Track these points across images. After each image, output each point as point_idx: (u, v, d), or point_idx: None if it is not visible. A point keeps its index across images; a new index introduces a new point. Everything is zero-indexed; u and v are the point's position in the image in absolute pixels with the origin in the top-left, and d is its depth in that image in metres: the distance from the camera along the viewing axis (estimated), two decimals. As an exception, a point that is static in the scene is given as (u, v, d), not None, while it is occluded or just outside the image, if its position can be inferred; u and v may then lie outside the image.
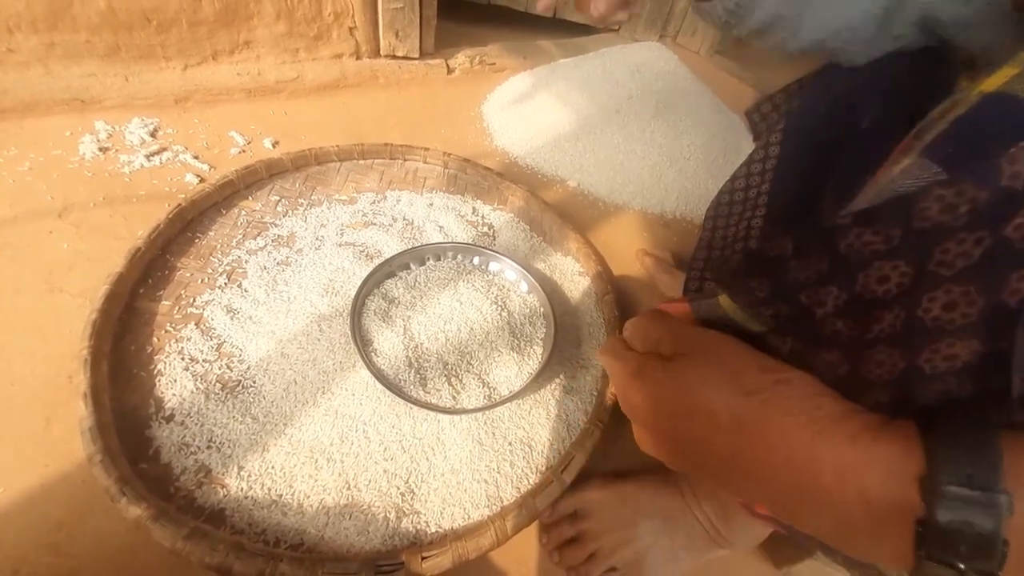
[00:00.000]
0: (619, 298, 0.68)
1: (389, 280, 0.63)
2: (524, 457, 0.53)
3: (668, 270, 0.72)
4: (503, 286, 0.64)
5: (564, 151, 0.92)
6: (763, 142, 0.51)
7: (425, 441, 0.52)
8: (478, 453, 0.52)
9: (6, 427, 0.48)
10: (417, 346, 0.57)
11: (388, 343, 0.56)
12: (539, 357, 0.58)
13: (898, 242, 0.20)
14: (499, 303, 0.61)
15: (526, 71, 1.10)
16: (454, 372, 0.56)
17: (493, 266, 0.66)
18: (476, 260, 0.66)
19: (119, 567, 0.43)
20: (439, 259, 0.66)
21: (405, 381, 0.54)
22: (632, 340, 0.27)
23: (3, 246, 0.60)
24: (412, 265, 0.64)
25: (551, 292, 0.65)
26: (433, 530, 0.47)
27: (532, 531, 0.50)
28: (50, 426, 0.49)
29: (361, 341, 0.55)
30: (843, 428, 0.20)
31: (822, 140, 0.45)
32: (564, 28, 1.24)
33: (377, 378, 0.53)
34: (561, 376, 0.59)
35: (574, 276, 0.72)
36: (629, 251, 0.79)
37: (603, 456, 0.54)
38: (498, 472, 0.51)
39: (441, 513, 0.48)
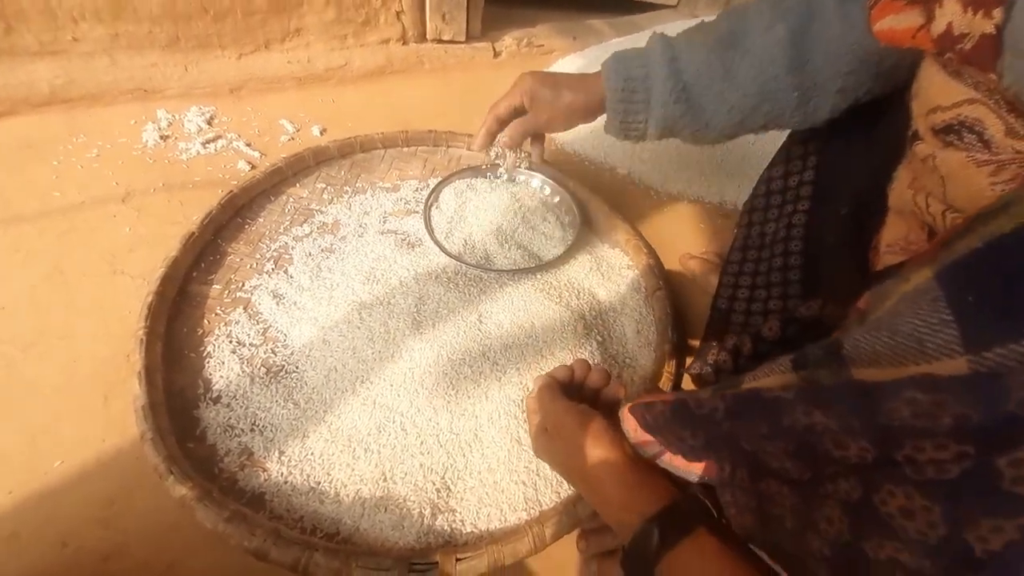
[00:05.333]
0: (671, 294, 0.63)
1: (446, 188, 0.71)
2: (565, 459, 0.50)
3: (715, 270, 0.66)
4: (532, 194, 0.72)
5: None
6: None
7: (462, 437, 0.50)
8: (516, 452, 0.49)
9: (68, 402, 0.51)
10: (471, 231, 0.66)
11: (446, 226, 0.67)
12: (570, 237, 0.67)
13: (857, 428, 0.21)
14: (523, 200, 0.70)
15: (576, 52, 1.05)
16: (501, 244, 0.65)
17: (522, 178, 0.74)
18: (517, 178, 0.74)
19: (164, 545, 0.44)
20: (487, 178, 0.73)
21: (461, 252, 0.64)
22: (535, 398, 0.44)
23: (71, 229, 0.64)
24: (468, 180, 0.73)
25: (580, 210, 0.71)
26: (468, 530, 0.46)
27: (570, 535, 0.48)
28: (108, 403, 0.51)
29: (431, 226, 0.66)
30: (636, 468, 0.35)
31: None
32: (617, 5, 1.18)
33: (440, 247, 0.63)
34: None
35: (622, 269, 0.67)
36: (683, 243, 0.73)
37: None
38: (537, 474, 0.49)
39: (477, 513, 0.47)
